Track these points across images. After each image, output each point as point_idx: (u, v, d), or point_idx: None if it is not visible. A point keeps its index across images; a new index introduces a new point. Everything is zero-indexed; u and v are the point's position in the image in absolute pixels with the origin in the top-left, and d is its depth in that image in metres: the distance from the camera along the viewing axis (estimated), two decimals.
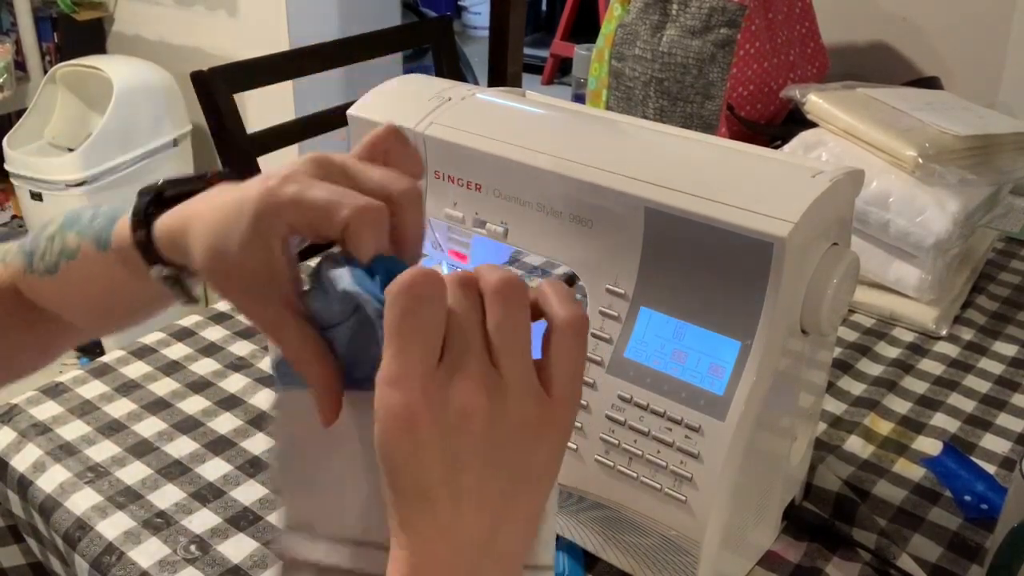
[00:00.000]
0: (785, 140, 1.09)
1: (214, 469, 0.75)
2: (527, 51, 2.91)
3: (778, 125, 1.31)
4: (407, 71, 2.40)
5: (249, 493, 0.72)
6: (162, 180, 0.49)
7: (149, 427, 0.79)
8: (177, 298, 0.51)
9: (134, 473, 0.74)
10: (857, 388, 0.88)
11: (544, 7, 4.80)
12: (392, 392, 0.37)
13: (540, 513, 0.41)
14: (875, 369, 0.91)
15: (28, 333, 0.58)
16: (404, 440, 0.37)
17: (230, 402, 0.83)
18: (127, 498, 0.71)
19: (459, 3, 4.97)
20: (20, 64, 2.54)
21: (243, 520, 0.69)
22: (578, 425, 0.61)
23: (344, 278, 0.41)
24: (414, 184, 0.44)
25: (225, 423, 0.80)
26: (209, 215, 0.44)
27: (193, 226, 0.45)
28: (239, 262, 0.43)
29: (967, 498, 0.74)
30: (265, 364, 0.88)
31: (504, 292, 0.39)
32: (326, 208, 0.41)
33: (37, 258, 0.53)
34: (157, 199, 0.49)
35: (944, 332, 0.97)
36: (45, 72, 2.41)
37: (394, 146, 0.46)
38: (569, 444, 0.61)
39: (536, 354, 0.40)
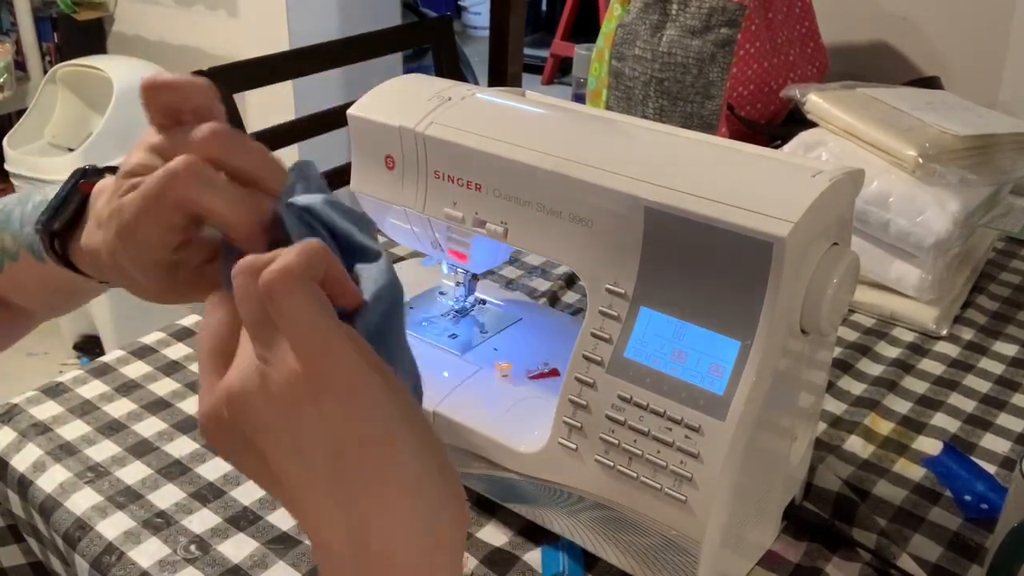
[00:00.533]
0: (785, 140, 1.09)
1: (214, 469, 0.75)
2: (527, 51, 2.91)
3: (778, 125, 1.31)
4: (407, 71, 2.40)
5: (249, 493, 0.72)
6: (41, 222, 0.50)
7: (149, 427, 0.79)
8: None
9: (134, 473, 0.74)
10: (857, 388, 0.88)
11: (544, 7, 4.80)
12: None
13: (412, 476, 0.39)
14: (875, 369, 0.91)
15: None
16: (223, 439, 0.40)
17: None
18: (127, 498, 0.71)
19: (459, 3, 4.97)
20: (20, 64, 2.54)
21: (243, 520, 0.69)
22: (578, 425, 0.61)
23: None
24: (208, 139, 0.44)
25: None
26: (95, 233, 0.47)
27: (97, 250, 0.47)
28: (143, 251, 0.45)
29: (967, 498, 0.74)
30: None
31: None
32: (146, 206, 0.42)
33: None
34: (53, 236, 0.50)
35: (944, 332, 0.97)
36: (45, 72, 2.41)
37: (170, 95, 0.46)
38: (568, 444, 0.61)
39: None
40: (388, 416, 0.38)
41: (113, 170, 0.50)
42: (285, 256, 0.37)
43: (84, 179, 0.50)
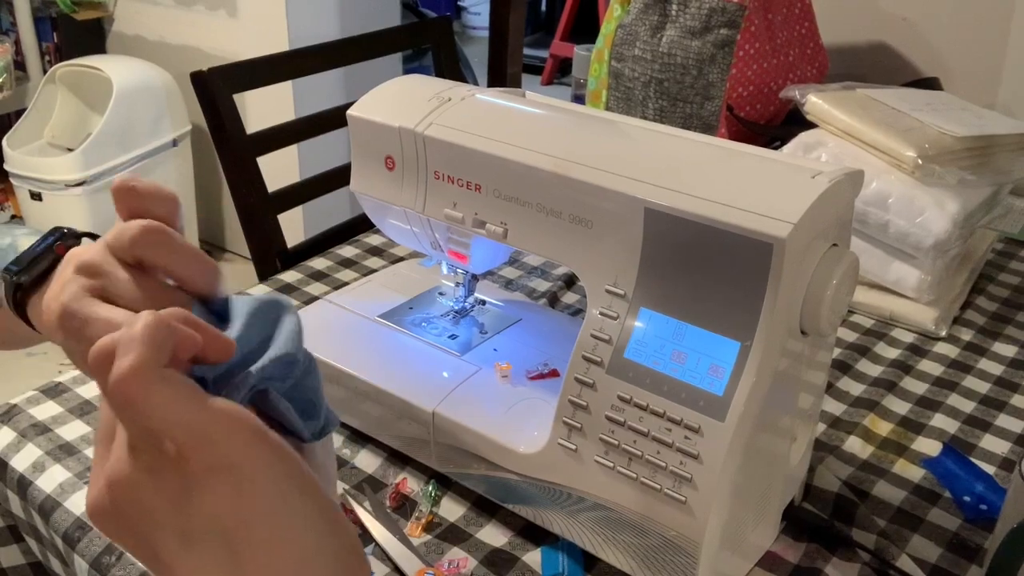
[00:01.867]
0: (785, 140, 1.09)
1: None
2: (527, 51, 2.91)
3: (778, 125, 1.31)
4: (407, 71, 2.40)
5: None
6: (13, 271, 0.50)
7: None
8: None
9: None
10: (857, 388, 0.88)
11: (544, 7, 4.80)
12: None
13: (307, 545, 0.37)
14: (875, 370, 0.91)
15: None
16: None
17: None
18: None
19: (459, 3, 4.97)
20: (20, 64, 2.54)
21: None
22: (578, 425, 0.61)
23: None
24: (138, 237, 0.43)
25: None
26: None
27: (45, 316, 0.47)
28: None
29: (967, 498, 0.74)
30: None
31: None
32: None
33: None
34: (18, 288, 0.50)
35: (943, 333, 0.97)
36: (45, 72, 2.41)
37: (132, 199, 0.45)
38: (568, 445, 0.62)
39: None
40: (275, 490, 0.37)
41: (93, 236, 0.51)
42: (127, 348, 0.35)
43: (61, 241, 0.51)
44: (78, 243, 0.50)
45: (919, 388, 0.88)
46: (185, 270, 0.44)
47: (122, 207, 0.45)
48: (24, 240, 0.53)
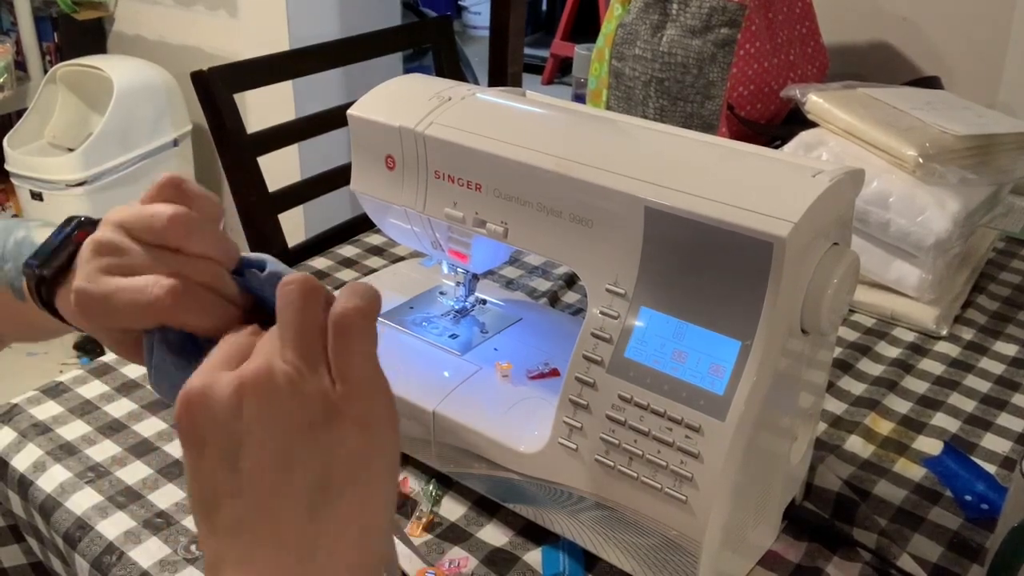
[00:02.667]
0: (785, 140, 1.09)
1: None
2: (527, 51, 2.91)
3: (778, 125, 1.31)
4: (407, 71, 2.40)
5: None
6: (35, 262, 0.50)
7: (149, 427, 0.79)
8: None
9: (134, 473, 0.74)
10: (857, 388, 0.88)
11: (544, 7, 4.80)
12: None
13: (378, 525, 0.40)
14: (875, 369, 0.91)
15: None
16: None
17: None
18: (127, 498, 0.71)
19: (459, 3, 4.97)
20: (20, 64, 2.54)
21: None
22: (578, 425, 0.61)
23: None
24: (175, 218, 0.45)
25: None
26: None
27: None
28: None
29: (967, 498, 0.74)
30: None
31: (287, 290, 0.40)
32: (133, 308, 0.44)
33: None
34: (42, 281, 0.50)
35: (944, 332, 0.97)
36: (45, 72, 2.41)
37: (176, 196, 0.47)
38: (569, 444, 0.62)
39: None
40: (387, 465, 0.40)
41: None
42: (355, 296, 0.40)
43: (80, 228, 0.51)
44: (94, 229, 0.50)
45: (920, 387, 0.88)
46: (213, 254, 0.46)
47: (161, 196, 0.46)
48: (39, 232, 0.52)
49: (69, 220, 0.51)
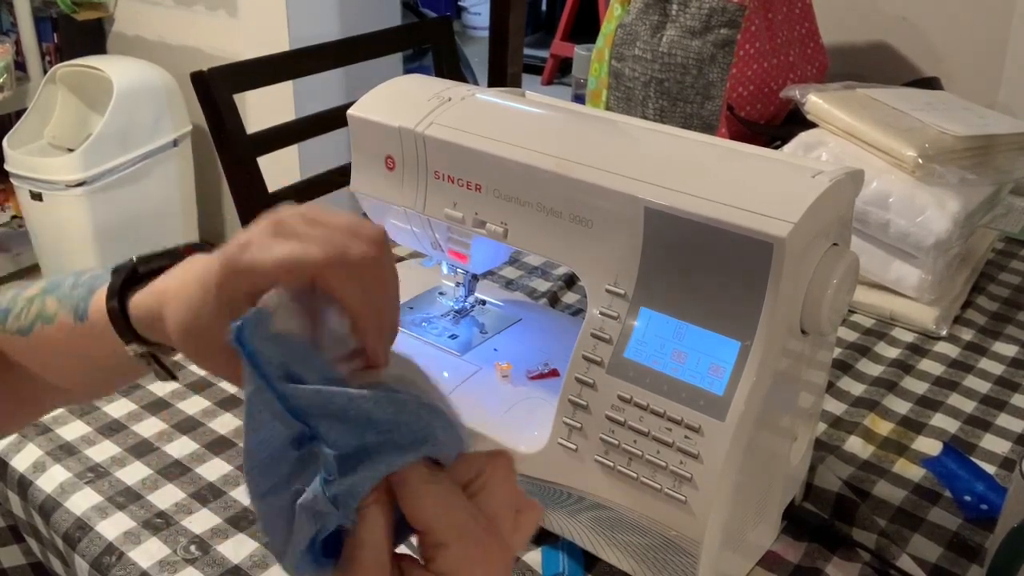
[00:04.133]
0: (785, 140, 1.09)
1: (214, 469, 0.75)
2: (527, 51, 2.91)
3: (778, 125, 1.31)
4: (407, 71, 2.40)
5: None
6: (135, 257, 0.49)
7: (149, 427, 0.79)
8: (156, 375, 0.51)
9: (134, 473, 0.74)
10: (857, 388, 0.88)
11: (544, 7, 4.80)
12: None
13: None
14: (875, 369, 0.91)
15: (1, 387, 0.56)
16: None
17: (230, 402, 0.83)
18: (127, 498, 0.71)
19: (459, 3, 4.97)
20: (20, 64, 2.53)
21: (243, 520, 0.69)
22: (578, 425, 0.61)
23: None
24: (378, 246, 0.41)
25: (225, 423, 0.80)
26: (179, 293, 0.44)
27: (167, 305, 0.45)
28: (213, 336, 0.41)
29: (967, 498, 0.74)
30: None
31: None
32: (288, 263, 0.39)
33: (12, 316, 0.53)
34: (131, 277, 0.48)
35: (944, 332, 0.97)
36: (45, 72, 2.41)
37: None
38: (569, 444, 0.62)
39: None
40: None
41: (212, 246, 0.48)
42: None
43: (193, 247, 0.49)
44: (207, 252, 0.47)
45: (920, 388, 0.88)
46: (365, 316, 0.41)
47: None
48: (87, 278, 0.51)
49: (189, 244, 0.50)
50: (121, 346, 0.48)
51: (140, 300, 0.47)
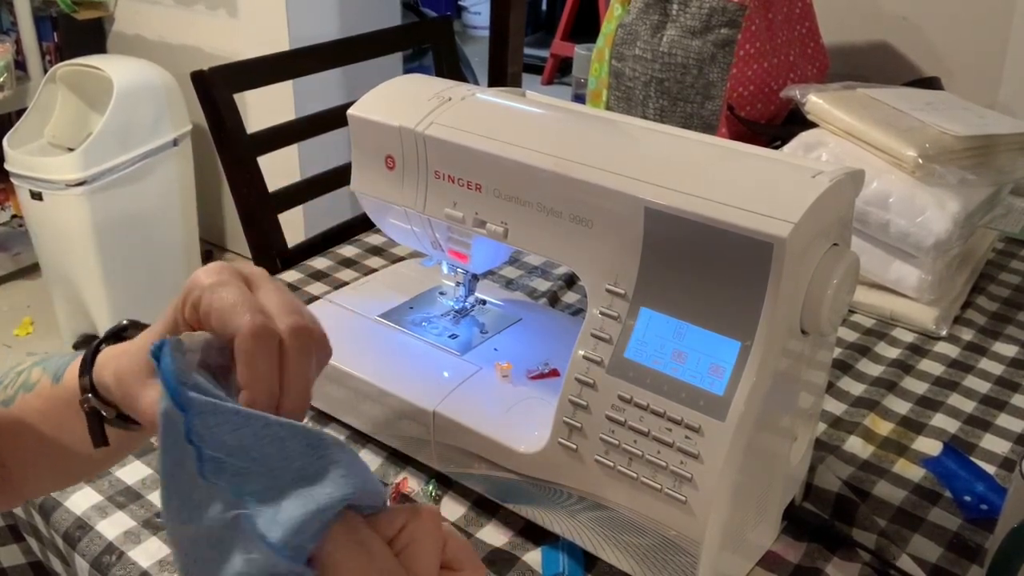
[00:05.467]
0: (785, 140, 1.09)
1: None
2: (527, 51, 2.91)
3: (778, 125, 1.31)
4: (407, 71, 2.40)
5: None
6: (126, 320, 0.50)
7: None
8: (91, 434, 0.50)
9: (134, 473, 0.74)
10: (857, 388, 0.88)
11: (544, 7, 4.80)
12: None
13: None
14: (875, 369, 0.91)
15: None
16: None
17: None
18: (127, 498, 0.71)
19: (459, 3, 4.97)
20: (20, 64, 2.53)
21: None
22: (578, 425, 0.61)
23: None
24: (312, 324, 0.43)
25: None
26: (141, 340, 0.47)
27: (127, 354, 0.47)
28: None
29: (967, 498, 0.74)
30: None
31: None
32: (225, 310, 0.41)
33: (0, 388, 0.53)
34: (116, 336, 0.50)
35: (944, 332, 0.97)
36: (45, 72, 2.41)
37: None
38: (569, 444, 0.62)
39: None
40: None
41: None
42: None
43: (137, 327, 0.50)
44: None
45: (920, 388, 0.88)
46: (290, 389, 0.43)
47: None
48: (82, 352, 0.51)
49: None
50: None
51: (107, 359, 0.48)
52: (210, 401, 0.37)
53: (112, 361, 0.48)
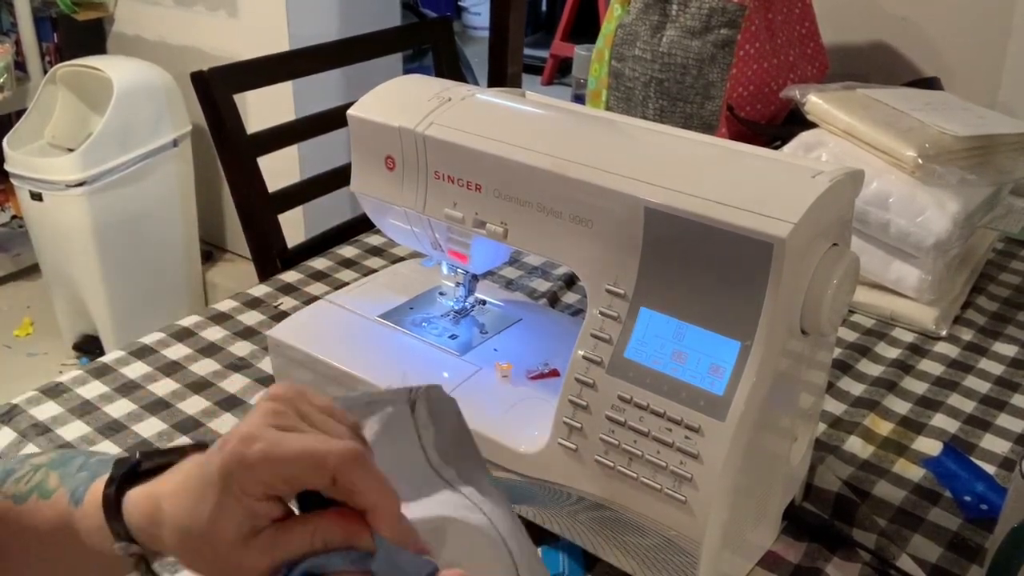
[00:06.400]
0: (785, 140, 1.09)
1: None
2: (527, 51, 2.91)
3: (778, 125, 1.31)
4: (407, 71, 2.40)
5: None
6: (139, 453, 0.48)
7: (149, 427, 0.79)
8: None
9: None
10: (857, 388, 0.88)
11: (544, 7, 4.80)
12: None
13: None
14: (875, 369, 0.91)
15: None
16: None
17: (230, 402, 0.83)
18: None
19: (459, 3, 4.96)
20: (20, 64, 2.53)
21: None
22: (578, 425, 0.61)
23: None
24: (360, 447, 0.41)
25: (225, 423, 0.80)
26: (177, 492, 0.44)
27: (163, 506, 0.44)
28: (212, 536, 0.41)
29: (967, 498, 0.74)
30: (265, 364, 0.88)
31: None
32: (307, 457, 0.40)
33: (12, 480, 0.51)
34: (132, 471, 0.47)
35: (944, 332, 0.97)
36: (45, 72, 2.41)
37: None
38: (569, 444, 0.62)
39: None
40: None
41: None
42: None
43: (197, 447, 0.48)
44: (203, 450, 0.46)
45: (919, 388, 0.88)
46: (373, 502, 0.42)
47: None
48: (95, 462, 0.50)
49: (195, 443, 0.49)
50: (108, 544, 0.46)
51: (137, 500, 0.46)
52: None
53: (150, 513, 0.45)
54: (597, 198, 0.61)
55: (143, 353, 0.89)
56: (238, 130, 1.25)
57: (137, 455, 0.47)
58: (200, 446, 0.48)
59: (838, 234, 0.61)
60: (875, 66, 1.54)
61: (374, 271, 1.01)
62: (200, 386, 0.85)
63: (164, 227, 2.38)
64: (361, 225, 1.24)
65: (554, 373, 0.73)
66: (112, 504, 0.46)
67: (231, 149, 1.25)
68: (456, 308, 0.81)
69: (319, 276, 1.05)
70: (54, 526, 0.49)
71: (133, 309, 2.28)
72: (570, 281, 1.04)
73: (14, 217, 2.74)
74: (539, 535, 0.68)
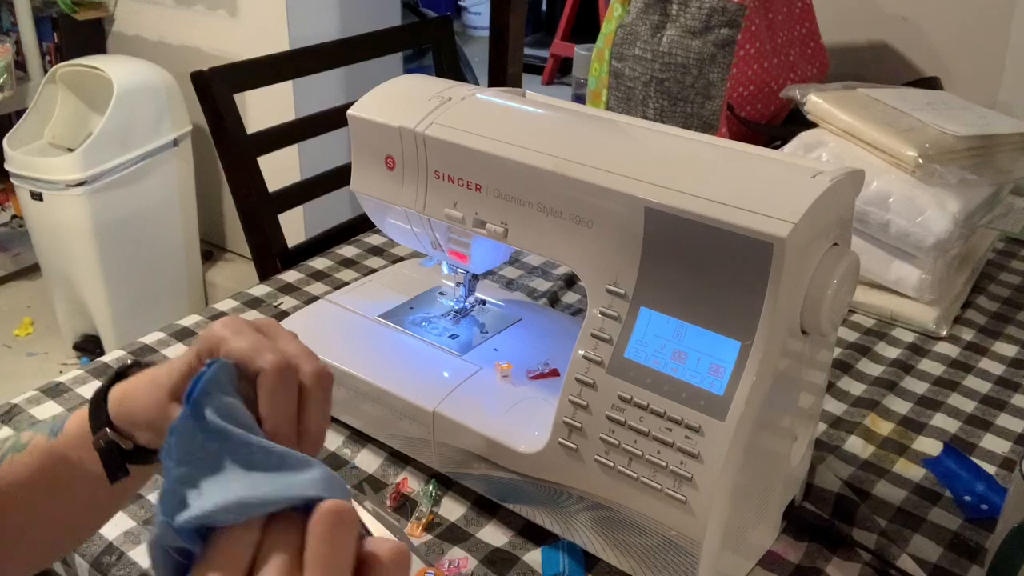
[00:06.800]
0: (785, 140, 1.09)
1: None
2: (527, 51, 2.91)
3: (778, 125, 1.31)
4: (407, 71, 2.40)
5: None
6: (131, 360, 0.53)
7: None
8: (106, 470, 0.50)
9: None
10: (857, 388, 0.88)
11: (544, 7, 4.80)
12: None
13: None
14: (875, 369, 0.91)
15: None
16: None
17: None
18: None
19: (459, 3, 4.97)
20: (20, 64, 2.53)
21: None
22: (578, 425, 0.61)
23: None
24: (326, 368, 0.47)
25: None
26: (152, 374, 0.50)
27: (139, 388, 0.50)
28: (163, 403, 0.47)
29: (967, 498, 0.74)
30: None
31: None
32: (247, 353, 0.45)
33: None
34: (123, 373, 0.52)
35: (944, 332, 0.97)
36: (45, 72, 2.41)
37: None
38: (569, 444, 0.62)
39: None
40: None
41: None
42: (392, 551, 0.36)
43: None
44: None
45: (920, 388, 0.88)
46: (310, 430, 0.46)
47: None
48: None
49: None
50: (93, 464, 0.50)
51: (116, 391, 0.51)
52: (225, 427, 0.39)
53: (124, 396, 0.50)
54: (597, 198, 0.61)
55: (143, 353, 0.89)
56: (238, 130, 1.25)
57: (129, 360, 0.53)
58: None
59: (838, 234, 0.61)
60: (875, 66, 1.54)
61: (374, 271, 1.01)
62: None
63: (164, 227, 2.38)
64: (361, 225, 1.24)
65: (554, 373, 0.73)
66: (100, 397, 0.51)
67: (231, 149, 1.25)
68: (456, 308, 0.81)
69: (319, 276, 1.05)
70: (34, 470, 0.51)
71: (133, 309, 2.28)
72: (570, 281, 1.04)
73: (14, 217, 2.74)
74: (539, 535, 0.68)
